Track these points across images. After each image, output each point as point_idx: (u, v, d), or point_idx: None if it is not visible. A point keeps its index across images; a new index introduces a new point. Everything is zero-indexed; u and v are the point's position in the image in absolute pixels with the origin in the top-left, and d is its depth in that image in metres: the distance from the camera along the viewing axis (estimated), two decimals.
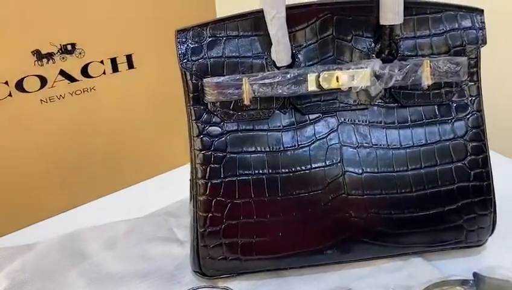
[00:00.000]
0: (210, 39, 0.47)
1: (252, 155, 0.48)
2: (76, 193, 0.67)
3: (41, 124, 0.62)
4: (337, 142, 0.49)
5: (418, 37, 0.50)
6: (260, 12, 0.47)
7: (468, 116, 0.50)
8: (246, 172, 0.48)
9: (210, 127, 0.48)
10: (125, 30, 0.64)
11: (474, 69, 0.51)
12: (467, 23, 0.50)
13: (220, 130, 0.48)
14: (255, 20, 0.47)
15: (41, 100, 0.60)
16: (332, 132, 0.49)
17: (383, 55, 0.49)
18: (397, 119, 0.50)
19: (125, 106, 0.67)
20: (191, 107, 0.48)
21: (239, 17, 0.48)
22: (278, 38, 0.46)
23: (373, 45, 0.49)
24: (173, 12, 0.66)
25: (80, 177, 0.67)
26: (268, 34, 0.46)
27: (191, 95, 0.48)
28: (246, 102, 0.47)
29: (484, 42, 0.50)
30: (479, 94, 0.51)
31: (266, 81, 0.47)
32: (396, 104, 0.50)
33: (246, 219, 0.48)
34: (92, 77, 0.63)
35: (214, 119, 0.48)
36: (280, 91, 0.47)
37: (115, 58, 0.64)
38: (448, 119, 0.50)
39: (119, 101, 0.66)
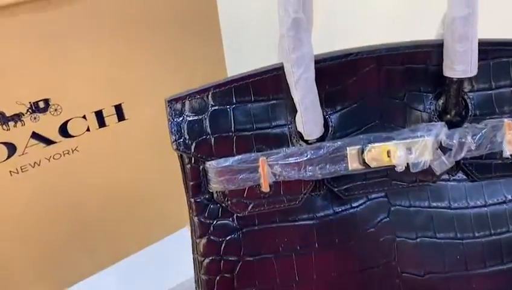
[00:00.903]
0: (213, 109, 0.34)
1: (276, 259, 0.36)
2: (58, 279, 0.55)
3: (12, 200, 0.50)
4: (389, 235, 0.36)
5: (496, 88, 0.36)
6: (280, 69, 0.34)
7: None
8: (267, 286, 0.36)
9: (217, 223, 0.36)
10: (110, 76, 0.51)
11: None
12: None
13: (232, 226, 0.36)
14: (274, 80, 0.34)
15: (10, 171, 0.48)
16: (383, 221, 0.36)
17: (449, 116, 0.36)
18: (469, 199, 0.37)
19: (116, 166, 0.55)
20: (191, 200, 0.35)
21: (252, 77, 0.35)
22: (305, 106, 0.34)
23: (434, 102, 0.36)
24: (167, 51, 0.54)
25: (63, 260, 0.55)
26: (288, 97, 0.34)
27: (190, 183, 0.35)
28: (265, 188, 0.35)
29: None
30: None
31: (291, 160, 0.34)
32: (466, 178, 0.37)
33: None
34: (74, 136, 0.51)
35: (222, 213, 0.36)
36: (310, 173, 0.34)
37: (100, 111, 0.51)
38: None
39: (108, 161, 0.54)
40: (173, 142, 0.34)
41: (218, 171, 0.34)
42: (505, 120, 0.35)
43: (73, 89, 0.50)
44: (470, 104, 0.36)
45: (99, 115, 0.52)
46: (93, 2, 0.48)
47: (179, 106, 0.34)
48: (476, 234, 0.37)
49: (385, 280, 0.36)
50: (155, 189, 0.58)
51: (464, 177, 0.37)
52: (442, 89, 0.36)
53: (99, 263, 0.57)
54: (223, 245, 0.35)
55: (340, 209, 0.36)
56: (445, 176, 0.37)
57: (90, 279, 0.57)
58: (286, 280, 0.36)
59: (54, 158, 0.51)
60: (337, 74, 0.35)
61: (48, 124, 0.49)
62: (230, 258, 0.36)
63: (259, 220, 0.36)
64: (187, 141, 0.34)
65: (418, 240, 0.36)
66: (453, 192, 0.37)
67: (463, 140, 0.35)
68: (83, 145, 0.52)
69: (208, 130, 0.34)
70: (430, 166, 0.35)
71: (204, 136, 0.34)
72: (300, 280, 0.36)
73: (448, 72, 0.35)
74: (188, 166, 0.35)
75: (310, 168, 0.34)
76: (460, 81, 0.35)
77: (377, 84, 0.35)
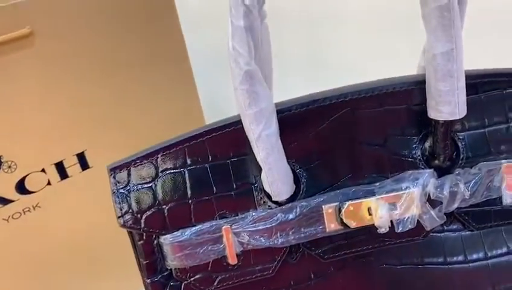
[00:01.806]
0: (165, 174, 0.30)
1: None
2: None
3: None
4: None
5: (489, 125, 0.31)
6: (239, 122, 0.30)
7: None
8: None
9: None
10: (68, 123, 0.46)
11: None
12: None
13: None
14: (233, 135, 0.30)
15: None
16: (369, 285, 0.32)
17: (437, 161, 0.31)
18: (467, 253, 0.32)
19: (83, 218, 0.49)
20: (147, 281, 0.30)
21: (207, 133, 0.30)
22: (269, 165, 0.29)
23: (420, 146, 0.31)
24: (131, 89, 0.49)
25: None
26: (251, 153, 0.30)
27: (143, 262, 0.30)
28: (232, 260, 0.30)
29: None
30: None
31: (259, 226, 0.29)
32: (463, 228, 0.32)
33: None
34: (33, 192, 0.46)
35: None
36: (283, 239, 0.29)
37: (60, 162, 0.47)
38: None
39: (75, 213, 0.49)
40: (119, 217, 0.29)
41: (174, 246, 0.29)
42: (503, 162, 0.31)
43: (26, 142, 0.45)
44: (460, 146, 0.31)
45: (59, 166, 0.47)
46: (42, 44, 0.43)
47: (123, 174, 0.30)
48: None
49: None
50: (126, 239, 0.54)
51: (460, 227, 0.32)
52: (428, 130, 0.31)
53: None
54: None
55: (318, 272, 0.31)
56: (439, 227, 0.31)
57: None
58: None
59: (13, 218, 0.46)
60: (305, 123, 0.30)
61: (2, 182, 0.44)
62: None
63: None
64: (135, 215, 0.29)
65: None
66: (449, 245, 0.32)
67: (455, 189, 0.30)
68: (45, 201, 0.47)
69: (160, 199, 0.30)
70: (418, 221, 0.30)
71: (155, 207, 0.30)
72: None
73: (433, 114, 0.30)
74: (140, 243, 0.30)
75: (281, 233, 0.29)
76: (448, 123, 0.30)
77: (353, 130, 0.30)
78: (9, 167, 0.45)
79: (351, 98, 0.30)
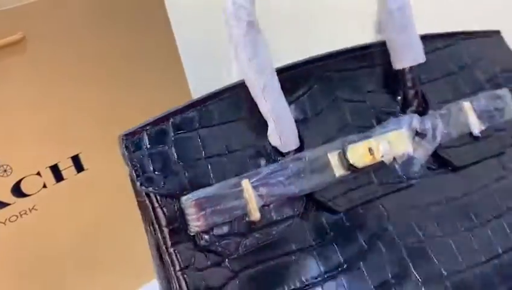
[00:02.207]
0: (177, 136, 0.28)
1: None
2: None
3: None
4: (396, 239, 0.31)
5: (447, 75, 0.35)
6: (237, 87, 0.29)
7: None
8: None
9: (208, 273, 0.28)
10: (62, 126, 0.44)
11: None
12: (490, 48, 0.37)
13: (227, 273, 0.28)
14: (234, 100, 0.30)
15: None
16: (384, 229, 0.31)
17: (411, 108, 0.34)
18: (463, 188, 0.34)
19: (79, 220, 0.47)
20: (171, 250, 0.28)
21: (212, 97, 0.29)
22: (277, 114, 0.29)
23: (394, 99, 0.33)
24: (123, 87, 0.49)
25: None
26: (256, 114, 0.29)
27: (165, 229, 0.28)
28: (255, 215, 0.28)
29: None
30: None
31: (275, 177, 0.29)
32: (450, 169, 0.34)
33: None
34: (29, 195, 0.44)
35: (211, 259, 0.28)
36: (299, 188, 0.29)
37: (55, 164, 0.44)
38: None
39: (71, 215, 0.47)
40: (137, 179, 0.27)
41: (198, 204, 0.27)
42: (464, 103, 0.34)
43: (21, 145, 0.42)
44: (427, 94, 0.34)
45: (55, 169, 0.44)
46: (35, 49, 0.42)
47: (136, 139, 0.28)
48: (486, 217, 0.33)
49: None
50: (123, 239, 0.51)
51: (448, 170, 0.34)
52: (398, 85, 0.34)
53: None
54: None
55: (334, 225, 0.31)
56: (427, 172, 0.33)
57: None
58: None
59: (10, 221, 0.43)
60: (295, 84, 0.31)
61: None
62: None
63: (256, 258, 0.29)
64: (153, 175, 0.27)
65: (427, 237, 0.32)
66: (444, 187, 0.34)
67: (435, 123, 0.32)
68: (41, 203, 0.44)
69: (176, 159, 0.28)
70: (413, 161, 0.32)
71: (173, 167, 0.28)
72: None
73: (398, 65, 0.33)
74: (159, 208, 0.28)
75: (296, 182, 0.29)
76: (413, 70, 0.33)
77: (335, 90, 0.32)
78: (5, 170, 0.41)
79: (325, 62, 0.32)
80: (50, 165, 0.45)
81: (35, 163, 0.44)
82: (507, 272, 0.32)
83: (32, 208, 0.45)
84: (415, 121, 0.32)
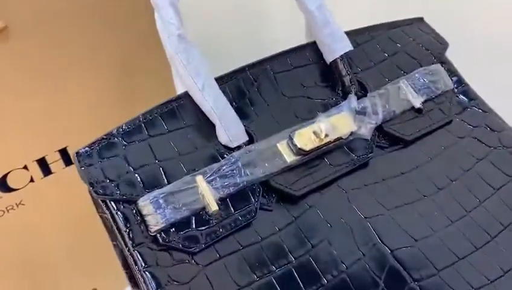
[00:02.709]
0: (128, 146, 0.30)
1: (256, 285, 0.28)
2: None
3: None
4: (358, 217, 0.31)
5: (377, 64, 0.38)
6: (181, 97, 0.32)
7: (482, 125, 0.38)
8: None
9: (173, 269, 0.28)
10: (49, 119, 0.43)
11: (456, 74, 0.40)
12: (416, 34, 0.41)
13: (193, 268, 0.28)
14: (181, 107, 0.32)
15: None
16: (346, 208, 0.32)
17: (351, 94, 0.36)
18: (416, 160, 0.35)
19: (69, 214, 0.45)
20: (134, 252, 0.28)
21: (159, 108, 0.32)
22: (220, 110, 0.31)
23: (333, 90, 0.36)
24: (111, 85, 0.48)
25: None
26: (203, 119, 0.32)
27: (125, 234, 0.28)
28: (213, 207, 0.28)
29: (444, 43, 0.40)
30: (476, 96, 0.39)
31: (228, 169, 0.30)
32: (401, 145, 0.35)
33: None
34: (16, 190, 0.42)
35: (175, 257, 0.28)
36: (253, 177, 0.30)
37: (43, 158, 0.43)
38: (464, 136, 0.37)
39: (60, 211, 0.45)
40: (93, 188, 0.28)
41: (154, 203, 0.28)
42: (400, 81, 0.37)
43: (6, 139, 0.41)
44: (363, 82, 0.36)
45: (42, 162, 0.43)
46: (18, 39, 0.41)
47: (88, 154, 0.29)
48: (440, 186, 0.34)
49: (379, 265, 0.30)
50: None
51: (399, 145, 0.36)
52: (334, 77, 0.36)
53: None
54: None
55: (296, 209, 0.31)
56: (380, 151, 0.35)
57: None
58: None
59: None
60: (239, 88, 0.34)
61: None
62: None
63: (220, 250, 0.29)
64: (107, 184, 0.28)
65: (389, 210, 0.32)
66: (399, 161, 0.35)
67: (374, 102, 0.35)
68: (29, 198, 0.43)
69: (128, 166, 0.29)
70: (360, 139, 0.34)
71: (125, 174, 0.29)
72: None
73: (330, 58, 0.36)
74: (117, 214, 0.28)
75: (248, 170, 0.30)
76: (344, 59, 0.36)
77: (278, 89, 0.35)
78: None
79: (269, 63, 0.35)
80: (37, 158, 0.44)
81: (21, 156, 0.43)
82: (472, 232, 0.32)
83: (20, 203, 0.44)
84: (353, 101, 0.34)
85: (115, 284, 0.49)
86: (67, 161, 0.45)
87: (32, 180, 0.44)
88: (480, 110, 0.38)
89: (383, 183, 0.33)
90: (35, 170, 0.44)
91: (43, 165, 0.44)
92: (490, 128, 0.37)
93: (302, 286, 0.28)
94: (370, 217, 0.31)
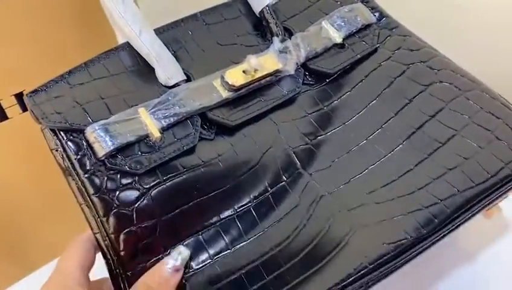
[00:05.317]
0: (75, 86, 0.33)
1: (196, 207, 0.32)
2: None
3: None
4: (284, 146, 0.35)
5: (303, 10, 0.41)
6: (119, 48, 0.36)
7: (402, 47, 0.41)
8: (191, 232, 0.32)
9: (121, 192, 0.31)
10: (3, 61, 0.45)
11: (378, 9, 0.43)
12: None
13: (138, 191, 0.31)
14: (125, 54, 0.36)
15: None
16: (275, 139, 0.35)
17: (279, 39, 0.39)
18: (339, 91, 0.38)
19: (27, 163, 0.48)
20: (83, 178, 0.31)
21: (103, 56, 0.35)
22: (156, 51, 0.34)
23: (264, 38, 0.39)
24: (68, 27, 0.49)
25: None
26: (142, 64, 0.35)
27: (75, 162, 0.31)
28: (155, 134, 0.32)
29: None
30: (398, 24, 0.43)
31: (168, 102, 0.33)
32: (327, 81, 0.39)
33: None
34: None
35: (122, 180, 0.31)
36: (191, 108, 0.34)
37: None
38: (384, 60, 0.40)
39: (17, 158, 0.47)
40: (42, 119, 0.31)
41: (100, 130, 0.31)
42: (322, 22, 0.40)
43: None
44: (290, 28, 0.40)
45: None
46: None
47: (38, 94, 0.32)
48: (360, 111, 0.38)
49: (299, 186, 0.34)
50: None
51: (326, 81, 0.39)
52: (263, 26, 0.40)
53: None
54: (134, 213, 0.31)
55: (233, 138, 0.35)
56: (308, 88, 0.38)
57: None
58: (210, 222, 0.32)
59: None
60: (176, 38, 0.37)
61: None
62: (146, 224, 0.31)
63: (163, 174, 0.32)
64: (55, 115, 0.31)
65: (315, 138, 0.36)
66: (321, 94, 0.38)
67: (296, 42, 0.39)
68: None
69: (76, 100, 0.32)
70: (286, 76, 0.37)
71: (73, 106, 0.32)
72: (222, 218, 0.33)
73: (258, 8, 0.40)
74: (67, 142, 0.31)
75: (187, 103, 0.34)
76: (270, 8, 0.39)
77: (214, 37, 0.38)
78: None
79: (203, 16, 0.39)
80: None
81: None
82: (384, 142, 0.36)
83: None
84: (277, 43, 0.38)
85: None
86: (24, 107, 0.47)
87: None
88: (400, 36, 0.41)
89: (308, 117, 0.37)
90: None
91: None
92: (409, 49, 0.40)
93: (234, 202, 0.33)
94: (295, 147, 0.35)
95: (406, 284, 0.41)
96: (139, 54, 0.35)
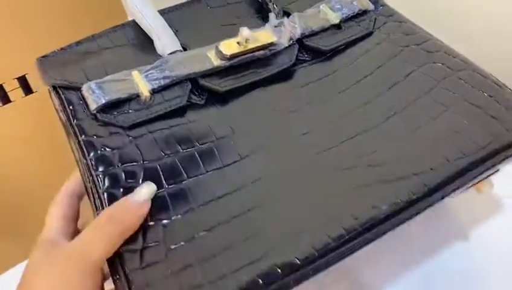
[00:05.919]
0: (84, 56, 0.37)
1: (180, 155, 0.33)
2: None
3: None
4: (273, 112, 0.37)
5: None
6: (125, 24, 0.39)
7: (397, 32, 0.42)
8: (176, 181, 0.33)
9: (109, 141, 0.33)
10: (6, 45, 0.46)
11: None
12: None
13: (124, 138, 0.33)
14: (129, 29, 0.39)
15: None
16: (266, 105, 0.37)
17: (271, 14, 0.41)
18: (334, 67, 0.40)
19: (32, 147, 0.50)
20: (74, 123, 0.33)
21: (110, 30, 0.39)
22: (155, 24, 0.37)
23: (263, 18, 0.41)
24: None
25: None
26: (144, 39, 0.38)
27: (69, 111, 0.34)
28: (145, 93, 0.34)
29: None
30: (394, 12, 0.44)
31: (160, 67, 0.35)
32: (322, 58, 0.40)
33: None
34: None
35: (111, 130, 0.33)
36: (182, 72, 0.35)
37: (0, 85, 0.48)
38: (380, 42, 0.41)
39: (19, 140, 0.48)
40: (46, 78, 0.34)
41: (95, 87, 0.34)
42: (320, 6, 0.42)
43: None
44: (289, 11, 0.42)
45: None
46: None
47: (48, 59, 0.36)
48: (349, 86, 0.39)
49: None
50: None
51: (321, 58, 0.40)
52: (264, 9, 0.42)
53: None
54: (118, 156, 0.33)
55: (225, 106, 0.36)
56: (303, 63, 0.40)
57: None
58: (195, 172, 0.33)
59: None
60: (177, 18, 0.40)
61: None
62: (129, 168, 0.32)
63: (150, 129, 0.34)
64: (60, 75, 0.35)
65: (310, 102, 0.37)
66: (316, 69, 0.40)
67: (293, 20, 0.40)
68: None
69: (79, 65, 0.36)
70: (280, 49, 0.39)
71: (74, 70, 0.35)
72: (208, 169, 0.33)
73: None
74: (65, 97, 0.34)
75: (179, 68, 0.36)
76: None
77: (214, 19, 0.41)
78: None
79: (206, 1, 0.42)
80: None
81: None
82: (372, 113, 0.37)
83: None
84: (272, 18, 0.40)
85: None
86: (27, 90, 0.48)
87: None
88: (396, 22, 0.43)
89: (301, 89, 0.38)
90: None
91: (1, 93, 0.47)
92: (405, 34, 0.42)
93: (219, 158, 0.34)
94: (288, 110, 0.37)
95: (397, 259, 0.41)
96: (143, 30, 0.38)
